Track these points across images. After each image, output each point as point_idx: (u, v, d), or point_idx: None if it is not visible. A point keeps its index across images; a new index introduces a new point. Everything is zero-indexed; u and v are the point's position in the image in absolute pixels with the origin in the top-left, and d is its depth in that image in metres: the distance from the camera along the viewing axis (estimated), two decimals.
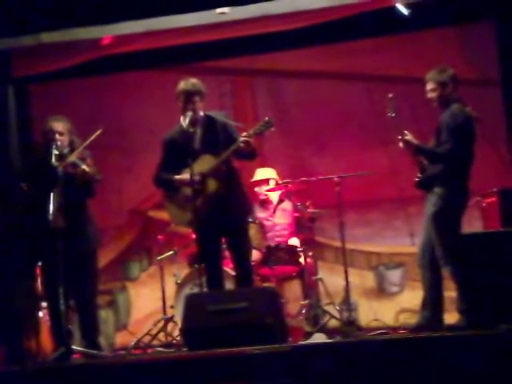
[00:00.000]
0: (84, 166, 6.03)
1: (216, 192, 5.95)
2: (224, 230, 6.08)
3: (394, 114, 6.09)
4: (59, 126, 6.30)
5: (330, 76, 8.58)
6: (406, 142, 6.02)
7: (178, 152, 6.04)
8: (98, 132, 6.13)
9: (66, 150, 6.20)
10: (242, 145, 5.82)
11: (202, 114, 6.08)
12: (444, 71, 6.10)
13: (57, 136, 6.24)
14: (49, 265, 6.19)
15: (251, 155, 6.04)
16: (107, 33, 7.83)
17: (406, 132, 6.04)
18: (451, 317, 6.09)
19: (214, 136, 6.04)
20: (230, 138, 5.99)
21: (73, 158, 6.08)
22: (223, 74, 8.77)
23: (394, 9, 7.68)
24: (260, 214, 7.82)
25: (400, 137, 6.02)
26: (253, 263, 7.16)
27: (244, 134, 5.86)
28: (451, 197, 5.95)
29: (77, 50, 8.02)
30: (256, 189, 7.87)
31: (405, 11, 7.71)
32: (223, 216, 5.98)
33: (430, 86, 6.12)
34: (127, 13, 7.47)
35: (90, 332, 6.28)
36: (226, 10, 7.35)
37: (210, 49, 8.24)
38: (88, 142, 6.15)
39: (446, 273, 6.01)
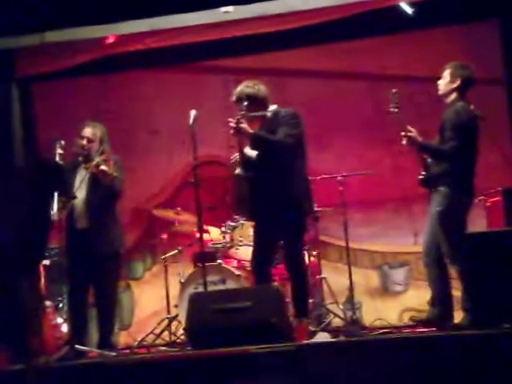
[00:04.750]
0: (103, 167, 6.25)
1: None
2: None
3: (396, 110, 6.09)
4: (88, 132, 6.52)
5: (334, 75, 8.57)
6: (410, 139, 6.01)
7: None
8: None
9: (95, 155, 6.45)
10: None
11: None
12: (462, 68, 6.10)
13: (84, 142, 6.49)
14: (71, 265, 6.39)
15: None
16: (111, 32, 7.84)
17: (409, 128, 6.03)
18: (456, 315, 6.09)
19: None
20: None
21: (98, 159, 6.34)
22: (228, 73, 8.76)
23: (398, 7, 7.67)
24: None
25: (403, 133, 6.01)
26: None
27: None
28: (456, 196, 5.94)
29: (80, 49, 8.02)
30: None
31: (409, 10, 7.70)
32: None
33: (444, 72, 6.12)
34: (131, 12, 7.47)
35: (105, 330, 6.48)
36: (230, 8, 7.34)
37: (215, 48, 8.24)
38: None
39: (452, 271, 6.01)
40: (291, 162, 5.99)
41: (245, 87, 6.06)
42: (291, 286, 6.18)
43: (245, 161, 6.06)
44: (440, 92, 6.15)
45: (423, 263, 6.20)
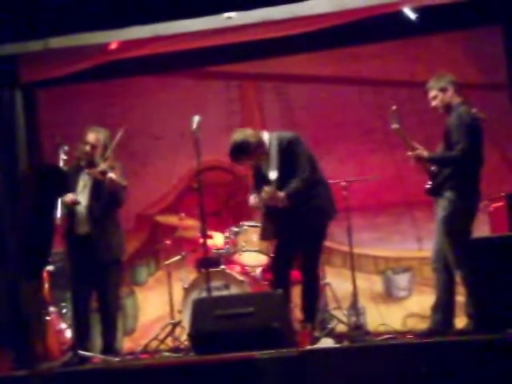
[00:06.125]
0: (111, 174, 6.24)
1: None
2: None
3: (397, 126, 6.12)
4: (91, 137, 6.49)
5: (337, 80, 8.57)
6: (417, 157, 6.05)
7: None
8: (121, 133, 6.41)
9: (99, 160, 6.43)
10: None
11: None
12: (442, 77, 6.18)
13: (88, 147, 6.43)
14: (73, 270, 6.40)
15: None
16: (114, 38, 7.84)
17: (415, 146, 6.07)
18: (459, 321, 6.09)
19: None
20: None
21: (103, 166, 6.30)
22: (231, 78, 8.78)
23: (401, 13, 7.68)
24: None
25: (410, 153, 6.06)
26: (261, 268, 7.18)
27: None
28: (462, 200, 5.95)
29: (84, 55, 8.03)
30: None
31: (412, 15, 7.71)
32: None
33: (431, 94, 6.19)
34: (134, 18, 7.48)
35: (108, 336, 6.51)
36: (233, 14, 7.35)
37: (218, 53, 8.24)
38: (113, 145, 6.42)
39: (457, 277, 6.01)
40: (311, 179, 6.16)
41: (237, 152, 6.10)
42: (303, 291, 6.19)
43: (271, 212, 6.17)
44: (441, 110, 6.18)
45: (432, 269, 6.21)
